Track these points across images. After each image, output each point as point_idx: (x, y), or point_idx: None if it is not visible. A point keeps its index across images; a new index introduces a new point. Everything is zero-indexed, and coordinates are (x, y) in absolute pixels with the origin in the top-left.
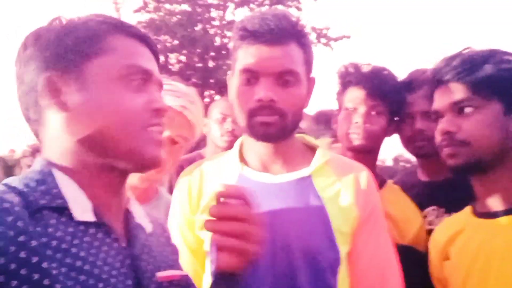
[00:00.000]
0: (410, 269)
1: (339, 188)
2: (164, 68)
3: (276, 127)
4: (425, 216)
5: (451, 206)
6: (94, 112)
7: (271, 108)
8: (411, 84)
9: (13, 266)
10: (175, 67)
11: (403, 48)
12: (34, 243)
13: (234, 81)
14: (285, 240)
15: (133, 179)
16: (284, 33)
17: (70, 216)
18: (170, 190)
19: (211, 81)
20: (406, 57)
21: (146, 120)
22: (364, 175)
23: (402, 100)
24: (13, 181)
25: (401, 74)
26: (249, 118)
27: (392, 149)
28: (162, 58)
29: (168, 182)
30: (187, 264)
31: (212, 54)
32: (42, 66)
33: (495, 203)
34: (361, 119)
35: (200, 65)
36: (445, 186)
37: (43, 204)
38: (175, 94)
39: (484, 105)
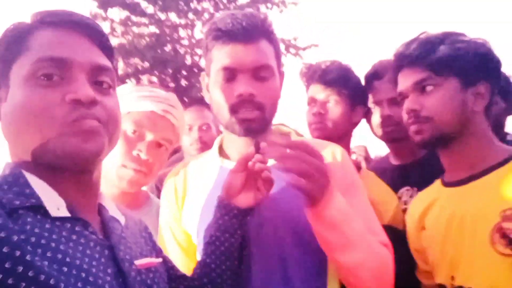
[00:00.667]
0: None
1: None
2: None
3: (257, 122)
4: (400, 197)
5: (423, 185)
6: (10, 119)
7: (251, 102)
8: (375, 73)
9: None
10: None
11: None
12: (15, 238)
13: (211, 81)
14: (272, 221)
15: (123, 184)
16: (256, 31)
17: (45, 214)
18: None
19: (185, 99)
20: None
21: (62, 115)
22: (338, 150)
23: (359, 88)
24: None
25: None
26: (231, 114)
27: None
28: (133, 81)
29: (151, 188)
30: (178, 260)
31: (184, 73)
32: None
33: (461, 171)
34: (317, 110)
35: (172, 85)
36: (416, 167)
37: (18, 205)
38: (156, 99)
39: (442, 83)
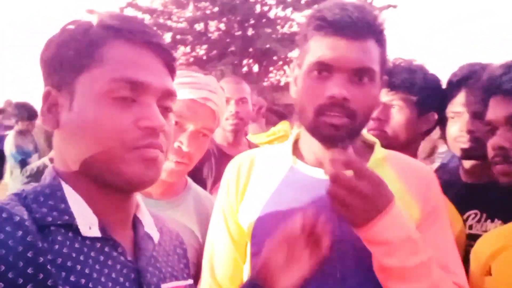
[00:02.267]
0: None
1: (399, 186)
2: (204, 36)
3: (345, 131)
4: (465, 220)
5: (494, 211)
6: (77, 132)
7: (342, 107)
8: (461, 80)
9: (20, 281)
10: (214, 35)
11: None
12: (41, 259)
13: (301, 73)
14: (336, 235)
15: (163, 175)
16: (365, 28)
17: (77, 231)
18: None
19: (250, 49)
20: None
21: (132, 140)
22: (425, 173)
23: (432, 92)
24: (23, 192)
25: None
26: (316, 116)
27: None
28: (201, 26)
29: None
30: (227, 253)
31: (252, 22)
32: (47, 80)
33: None
34: (376, 115)
35: (239, 33)
36: (489, 190)
37: (50, 221)
38: (196, 86)
39: None
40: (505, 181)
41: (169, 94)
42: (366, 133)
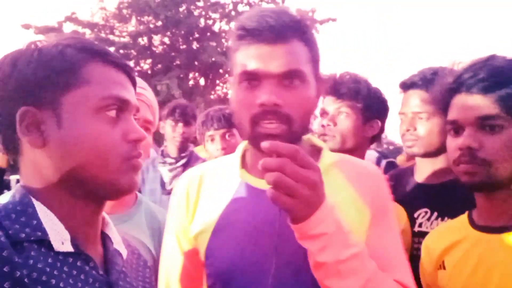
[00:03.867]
0: None
1: (349, 191)
2: (148, 50)
3: (283, 139)
4: (415, 218)
5: (445, 210)
6: (72, 147)
7: (275, 113)
8: (407, 83)
9: None
10: (159, 49)
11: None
12: (18, 273)
13: (234, 86)
14: (287, 246)
15: None
16: (286, 29)
17: (49, 246)
18: None
19: (196, 63)
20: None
21: (125, 153)
22: (375, 174)
23: (375, 101)
24: None
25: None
26: (252, 126)
27: None
28: (145, 40)
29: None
30: (183, 275)
31: (197, 35)
32: (19, 99)
33: (498, 218)
34: (325, 122)
35: (184, 47)
36: (440, 191)
37: (23, 237)
38: None
39: (511, 124)
40: (467, 181)
41: (138, 109)
42: (315, 138)
